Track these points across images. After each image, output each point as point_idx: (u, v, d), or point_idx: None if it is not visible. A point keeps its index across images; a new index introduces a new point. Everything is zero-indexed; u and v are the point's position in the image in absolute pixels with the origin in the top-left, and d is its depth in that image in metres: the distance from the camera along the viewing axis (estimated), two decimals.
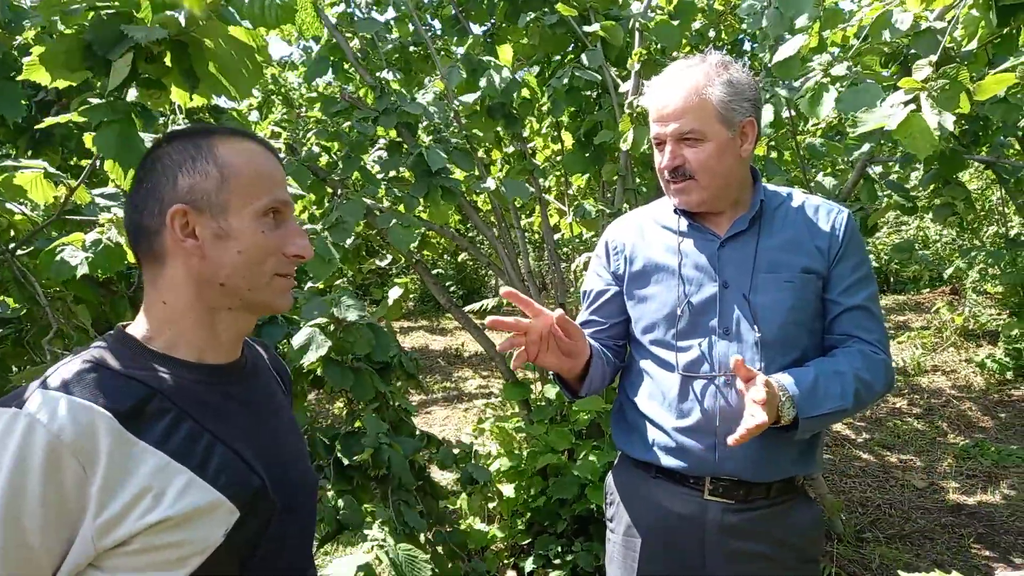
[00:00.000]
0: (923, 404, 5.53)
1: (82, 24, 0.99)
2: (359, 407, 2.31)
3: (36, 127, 1.76)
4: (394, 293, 3.07)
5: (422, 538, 2.29)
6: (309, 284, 2.80)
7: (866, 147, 2.67)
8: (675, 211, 1.56)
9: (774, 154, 3.42)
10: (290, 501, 0.96)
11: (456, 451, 2.63)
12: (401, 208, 2.90)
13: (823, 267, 1.47)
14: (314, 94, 4.53)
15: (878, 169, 3.26)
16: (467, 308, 3.66)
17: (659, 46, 2.96)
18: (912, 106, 1.78)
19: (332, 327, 1.95)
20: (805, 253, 1.47)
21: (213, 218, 0.90)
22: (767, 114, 2.60)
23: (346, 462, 2.10)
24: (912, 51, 2.39)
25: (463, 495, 3.11)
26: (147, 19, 0.98)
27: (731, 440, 1.28)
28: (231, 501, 0.86)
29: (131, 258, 1.33)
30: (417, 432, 2.47)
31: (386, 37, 3.38)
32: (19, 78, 1.07)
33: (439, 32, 3.69)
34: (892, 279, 10.82)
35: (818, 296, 1.48)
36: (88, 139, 1.20)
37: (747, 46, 4.41)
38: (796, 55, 2.47)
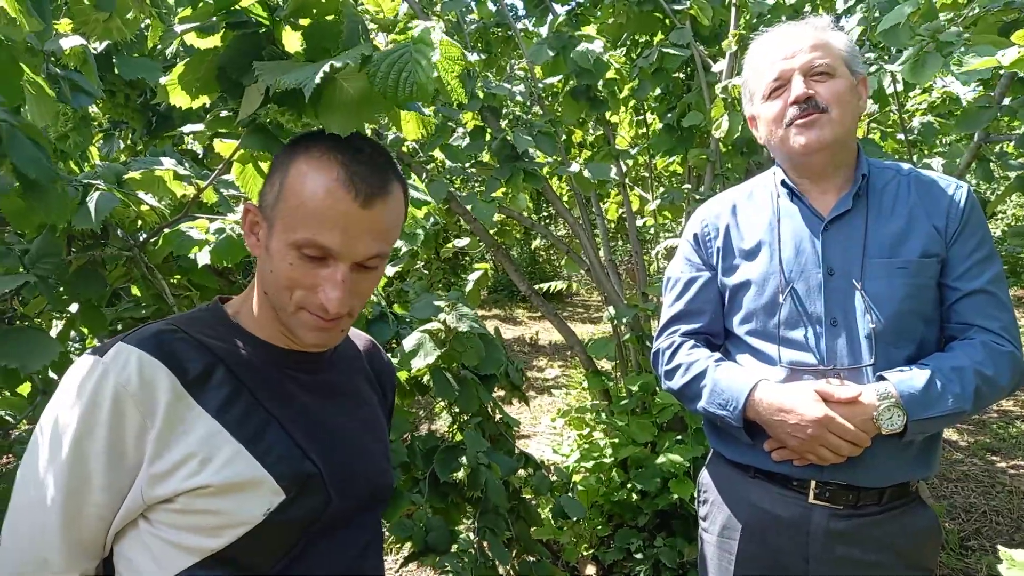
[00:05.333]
0: None
1: (217, 45, 0.96)
2: (461, 417, 2.28)
3: (156, 112, 1.81)
4: (474, 276, 3.06)
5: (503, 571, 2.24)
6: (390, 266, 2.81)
7: (982, 120, 2.45)
8: (781, 183, 1.46)
9: (876, 135, 3.21)
10: (349, 499, 0.94)
11: (553, 478, 2.54)
12: (482, 190, 2.88)
13: (942, 249, 1.34)
14: None
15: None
16: (536, 286, 3.61)
17: (755, 21, 2.81)
18: None
19: (443, 334, 1.90)
20: (922, 235, 1.34)
21: (266, 230, 0.91)
22: (869, 88, 2.43)
23: (442, 479, 2.06)
24: None
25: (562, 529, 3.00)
26: (285, 43, 0.95)
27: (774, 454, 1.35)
28: (277, 481, 0.86)
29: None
30: (515, 451, 2.41)
31: (468, 20, 3.36)
32: (157, 101, 1.06)
33: (521, 13, 3.64)
34: None
35: (937, 282, 1.35)
36: (220, 145, 1.20)
37: (843, 21, 4.16)
38: (905, 22, 2.29)
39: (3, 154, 0.73)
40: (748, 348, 1.45)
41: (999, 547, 0.58)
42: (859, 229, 1.36)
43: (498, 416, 2.36)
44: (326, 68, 0.79)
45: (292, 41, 0.94)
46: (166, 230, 1.35)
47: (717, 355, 1.49)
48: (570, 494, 2.54)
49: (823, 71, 1.35)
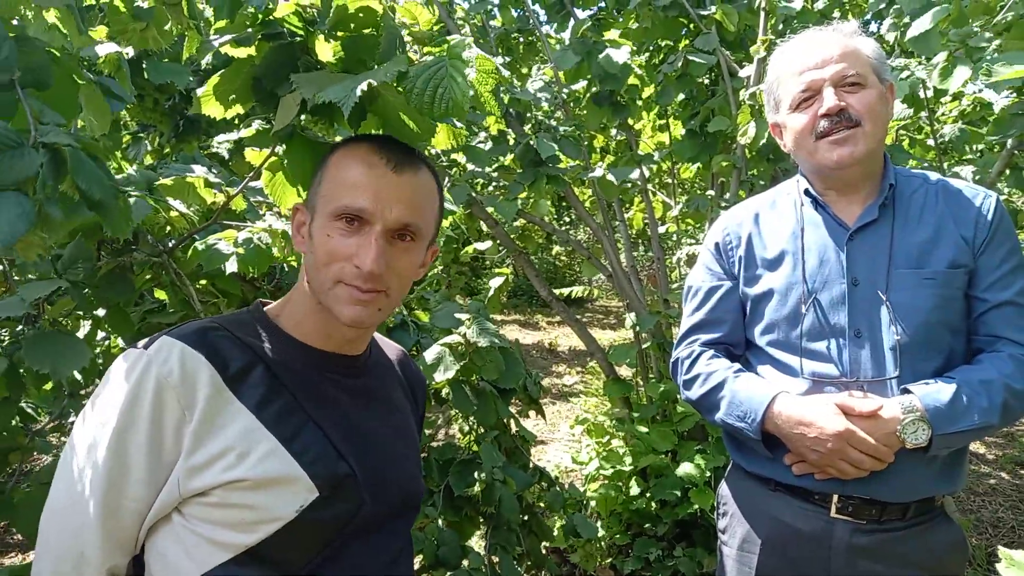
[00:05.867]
0: None
1: (251, 55, 0.97)
2: (478, 429, 2.29)
3: (184, 116, 1.84)
4: (495, 282, 3.05)
5: None
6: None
7: (1015, 128, 2.40)
8: (805, 192, 1.44)
9: (905, 142, 3.16)
10: (381, 504, 0.95)
11: (566, 496, 2.52)
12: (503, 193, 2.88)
13: (970, 260, 1.31)
14: None
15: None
16: (556, 292, 3.60)
17: (780, 26, 2.78)
18: None
19: (462, 348, 1.90)
20: (950, 245, 1.32)
21: (310, 220, 0.95)
22: (900, 92, 2.39)
23: (457, 492, 2.06)
24: None
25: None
26: (319, 53, 0.96)
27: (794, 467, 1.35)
28: (312, 479, 0.87)
29: (278, 255, 1.41)
30: (530, 465, 2.40)
31: (491, 25, 3.37)
32: (192, 111, 1.08)
33: (542, 19, 3.65)
34: None
35: (965, 293, 1.33)
36: (251, 154, 1.22)
37: (873, 27, 4.11)
38: (934, 28, 2.25)
39: (67, 173, 0.75)
40: (770, 359, 1.43)
41: (999, 547, 0.57)
42: (885, 239, 1.34)
43: (514, 429, 2.35)
44: (363, 86, 0.79)
45: (325, 51, 0.94)
46: (195, 237, 1.36)
47: (736, 366, 1.47)
48: (583, 512, 2.51)
49: (854, 81, 1.32)
